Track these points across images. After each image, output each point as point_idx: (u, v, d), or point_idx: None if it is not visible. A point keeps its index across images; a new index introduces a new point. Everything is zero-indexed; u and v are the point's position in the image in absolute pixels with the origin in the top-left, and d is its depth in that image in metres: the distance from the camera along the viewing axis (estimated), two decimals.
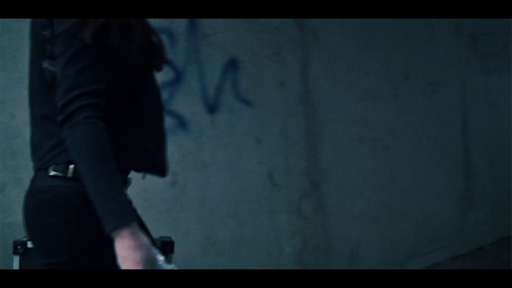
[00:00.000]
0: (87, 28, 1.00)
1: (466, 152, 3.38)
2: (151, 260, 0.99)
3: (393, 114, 2.97)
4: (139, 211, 1.04)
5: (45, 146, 1.08)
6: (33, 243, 1.14)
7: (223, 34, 2.35)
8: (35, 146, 1.13)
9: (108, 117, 1.00)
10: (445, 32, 3.23)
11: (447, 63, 3.26)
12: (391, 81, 2.95)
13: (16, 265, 1.58)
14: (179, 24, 2.30)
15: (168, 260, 1.14)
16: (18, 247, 1.58)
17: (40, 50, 1.08)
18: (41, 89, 1.09)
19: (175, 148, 2.24)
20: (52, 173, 1.05)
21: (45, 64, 1.05)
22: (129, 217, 0.96)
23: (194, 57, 2.36)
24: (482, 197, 3.52)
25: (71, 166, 1.02)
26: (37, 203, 1.06)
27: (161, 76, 1.93)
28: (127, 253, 0.95)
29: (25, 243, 1.58)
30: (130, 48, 1.06)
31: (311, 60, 2.65)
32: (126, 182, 1.16)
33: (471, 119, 3.41)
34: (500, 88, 3.62)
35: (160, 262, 1.02)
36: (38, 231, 1.08)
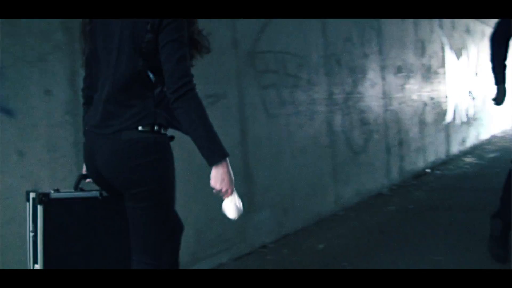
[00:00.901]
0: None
1: (245, 159, 3.65)
2: (233, 181, 1.57)
3: None
4: None
5: (125, 115, 1.56)
6: (122, 179, 1.60)
7: None
8: (110, 115, 1.59)
9: None
10: (223, 47, 3.43)
11: (226, 77, 3.47)
12: None
13: (40, 214, 1.68)
14: None
15: None
16: (43, 198, 1.69)
17: (136, 45, 1.55)
18: (130, 75, 1.57)
19: None
20: (141, 129, 1.56)
21: (140, 63, 1.56)
22: (226, 153, 1.56)
23: None
24: (263, 200, 3.83)
25: (156, 126, 1.59)
26: (132, 149, 1.56)
27: None
28: (225, 176, 1.53)
29: (48, 194, 1.72)
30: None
31: (80, 68, 2.57)
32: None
33: (250, 129, 3.69)
34: (278, 102, 3.99)
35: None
36: (132, 169, 1.55)
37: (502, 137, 10.89)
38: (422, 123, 6.86)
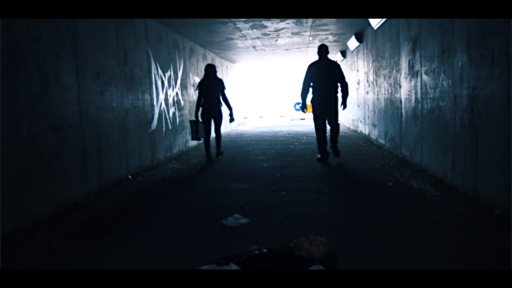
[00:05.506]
0: None
1: None
2: None
3: None
4: None
5: (216, 108, 8.55)
6: (216, 115, 8.62)
7: None
8: (214, 106, 8.47)
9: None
10: None
11: None
12: None
13: (198, 124, 8.77)
14: None
15: None
16: (196, 121, 8.75)
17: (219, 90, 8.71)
18: (218, 98, 8.64)
19: None
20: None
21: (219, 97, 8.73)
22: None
23: None
24: None
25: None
26: (220, 110, 8.69)
27: None
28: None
29: (198, 118, 8.72)
30: None
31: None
32: None
33: None
34: None
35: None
36: (219, 111, 8.61)
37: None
38: (124, 129, 6.93)
